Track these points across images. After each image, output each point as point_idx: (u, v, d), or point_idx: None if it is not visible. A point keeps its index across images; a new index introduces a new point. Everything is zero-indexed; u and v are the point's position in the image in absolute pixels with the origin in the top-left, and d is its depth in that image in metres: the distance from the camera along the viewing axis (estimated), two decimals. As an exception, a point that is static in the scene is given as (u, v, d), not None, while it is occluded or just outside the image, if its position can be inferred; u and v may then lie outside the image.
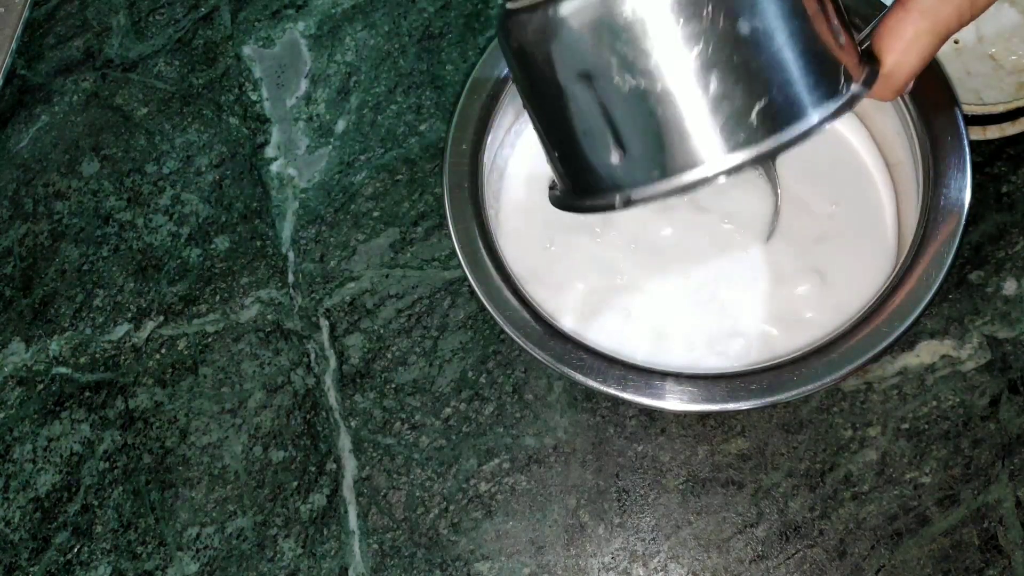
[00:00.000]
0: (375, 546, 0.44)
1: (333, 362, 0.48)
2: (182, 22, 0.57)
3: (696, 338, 0.41)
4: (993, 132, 0.45)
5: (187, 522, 0.46)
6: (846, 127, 0.43)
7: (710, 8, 0.24)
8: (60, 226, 0.53)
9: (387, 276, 0.49)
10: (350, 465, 0.46)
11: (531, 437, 0.45)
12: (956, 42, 0.49)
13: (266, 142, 0.53)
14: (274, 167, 0.53)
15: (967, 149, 0.37)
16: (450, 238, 0.39)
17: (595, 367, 0.36)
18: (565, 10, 0.25)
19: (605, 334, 0.41)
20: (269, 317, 0.49)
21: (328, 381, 0.47)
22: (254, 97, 0.55)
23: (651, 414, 0.45)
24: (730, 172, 0.26)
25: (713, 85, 0.25)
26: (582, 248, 0.43)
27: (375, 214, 0.51)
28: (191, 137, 0.54)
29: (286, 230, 0.51)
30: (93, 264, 0.52)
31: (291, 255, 0.50)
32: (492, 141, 0.42)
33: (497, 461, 0.45)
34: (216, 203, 0.52)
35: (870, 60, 0.28)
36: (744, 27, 0.25)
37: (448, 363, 0.47)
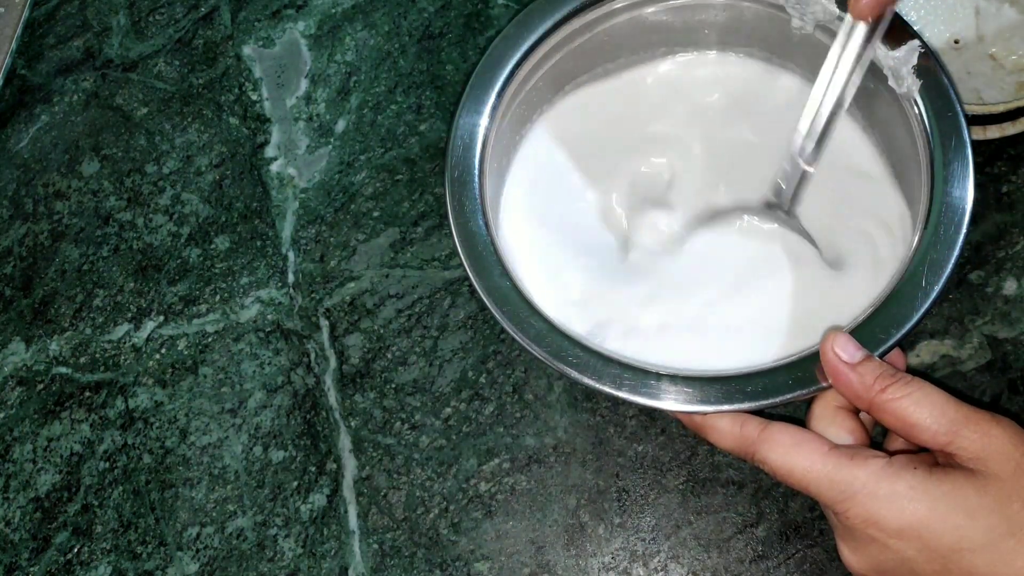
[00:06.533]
0: (375, 546, 0.44)
1: (333, 362, 0.48)
2: (182, 22, 0.57)
3: (698, 340, 0.40)
4: (993, 132, 0.45)
5: (187, 522, 0.46)
6: (854, 132, 0.43)
7: None
8: (60, 226, 0.53)
9: (387, 276, 0.49)
10: (350, 465, 0.46)
11: (531, 437, 0.45)
12: (956, 42, 0.49)
13: (266, 142, 0.53)
14: (274, 167, 0.53)
15: (970, 155, 0.36)
16: (450, 238, 0.39)
17: (591, 365, 0.35)
18: None
19: (607, 334, 0.40)
20: (269, 317, 0.49)
21: (328, 381, 0.47)
22: (254, 97, 0.55)
23: (651, 414, 0.45)
24: None
25: None
26: (584, 248, 0.43)
27: (375, 214, 0.51)
28: (191, 137, 0.54)
29: (286, 230, 0.51)
30: (93, 264, 0.52)
31: (291, 255, 0.50)
32: (494, 140, 0.42)
33: (497, 461, 0.45)
34: (216, 203, 0.52)
35: None
36: None
37: (448, 363, 0.47)
